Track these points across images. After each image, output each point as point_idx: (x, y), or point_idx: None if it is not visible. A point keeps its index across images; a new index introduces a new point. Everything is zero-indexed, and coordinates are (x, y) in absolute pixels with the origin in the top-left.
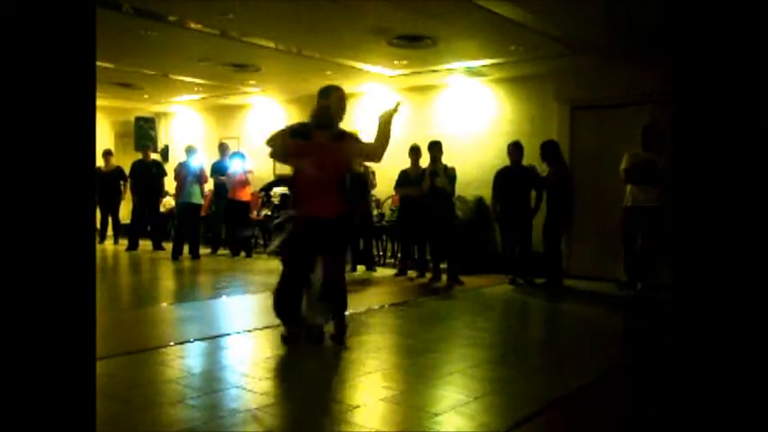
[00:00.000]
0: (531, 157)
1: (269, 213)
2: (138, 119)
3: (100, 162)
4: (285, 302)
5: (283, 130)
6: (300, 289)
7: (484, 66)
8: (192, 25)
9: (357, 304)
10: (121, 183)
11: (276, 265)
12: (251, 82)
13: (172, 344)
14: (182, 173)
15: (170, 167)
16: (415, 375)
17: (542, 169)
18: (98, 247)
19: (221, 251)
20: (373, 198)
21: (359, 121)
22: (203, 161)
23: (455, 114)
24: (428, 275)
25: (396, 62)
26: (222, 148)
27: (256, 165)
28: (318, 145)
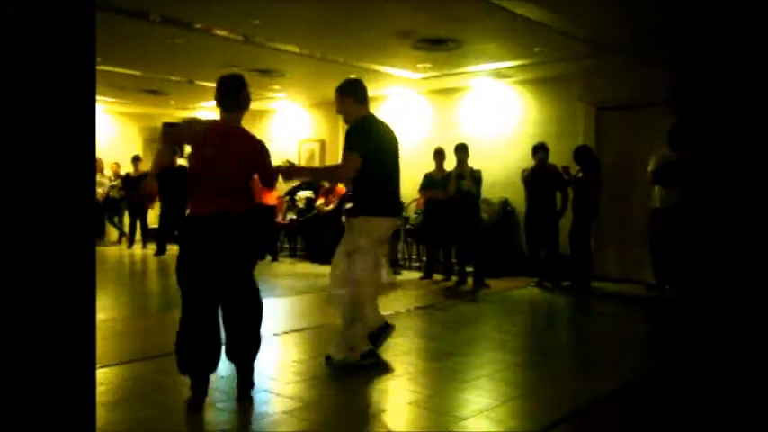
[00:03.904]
0: (556, 159)
1: (294, 217)
2: (164, 125)
3: (129, 168)
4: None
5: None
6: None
7: (508, 68)
8: (218, 32)
9: (383, 308)
10: None
11: (303, 268)
12: (275, 87)
13: None
14: None
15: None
16: (441, 379)
17: (574, 170)
18: (127, 251)
19: None
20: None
21: None
22: None
23: (480, 117)
24: (454, 278)
25: (419, 65)
26: None
27: None
28: None
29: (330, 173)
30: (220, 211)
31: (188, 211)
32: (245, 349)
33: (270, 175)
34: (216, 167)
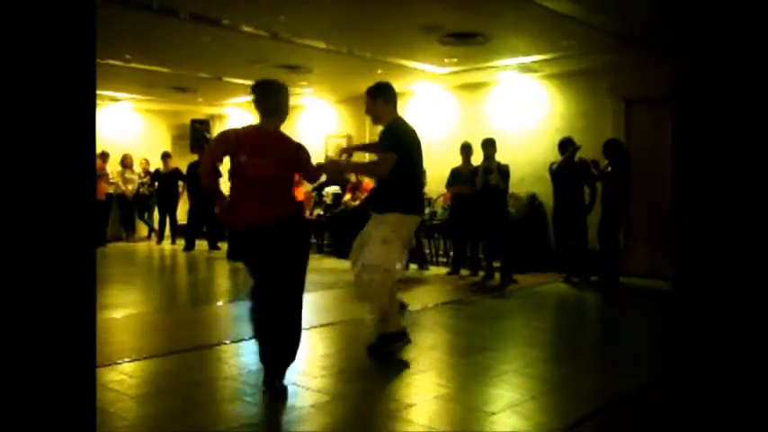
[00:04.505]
0: (583, 153)
1: (321, 213)
2: (193, 121)
3: (159, 164)
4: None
5: None
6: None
7: (535, 61)
8: (245, 28)
9: (410, 302)
10: (179, 183)
11: (330, 263)
12: (303, 83)
13: (228, 342)
14: None
15: (225, 169)
16: (469, 374)
17: (603, 164)
18: (156, 247)
19: None
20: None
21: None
22: None
23: (507, 111)
24: (481, 274)
25: (446, 60)
26: None
27: None
28: None
29: (373, 168)
30: (267, 219)
31: (231, 222)
32: (282, 359)
33: (313, 170)
34: (253, 172)
